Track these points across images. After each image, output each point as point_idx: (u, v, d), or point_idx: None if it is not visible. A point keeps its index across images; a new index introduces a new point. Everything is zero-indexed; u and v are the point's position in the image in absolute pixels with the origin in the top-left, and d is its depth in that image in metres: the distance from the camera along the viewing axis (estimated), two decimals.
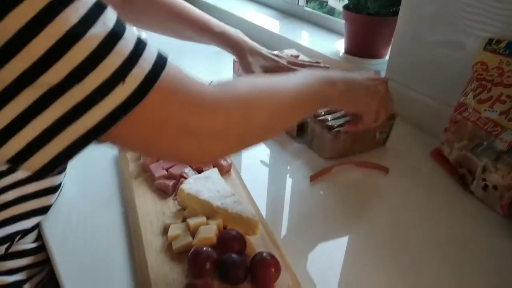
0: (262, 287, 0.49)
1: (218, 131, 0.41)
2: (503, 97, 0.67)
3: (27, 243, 0.59)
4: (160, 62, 0.37)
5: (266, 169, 0.76)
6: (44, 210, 0.58)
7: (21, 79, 0.31)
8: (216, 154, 0.44)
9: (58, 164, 0.35)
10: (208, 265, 0.49)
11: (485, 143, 0.68)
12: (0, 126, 0.32)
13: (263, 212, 0.64)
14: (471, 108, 0.71)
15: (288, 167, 0.77)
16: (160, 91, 0.36)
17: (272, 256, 0.50)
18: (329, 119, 0.76)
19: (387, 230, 0.63)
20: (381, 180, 0.74)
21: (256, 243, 0.56)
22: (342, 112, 0.78)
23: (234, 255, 0.50)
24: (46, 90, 0.31)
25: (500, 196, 0.65)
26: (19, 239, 0.57)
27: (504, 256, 0.59)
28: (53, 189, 0.59)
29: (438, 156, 0.78)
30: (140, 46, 0.35)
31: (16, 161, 0.34)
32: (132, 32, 0.36)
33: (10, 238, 0.55)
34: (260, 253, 0.50)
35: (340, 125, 0.75)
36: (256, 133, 0.47)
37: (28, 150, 0.33)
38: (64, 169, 0.59)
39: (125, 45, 0.34)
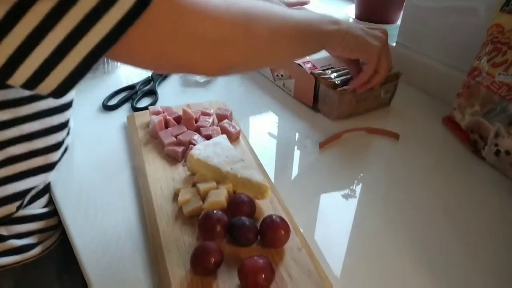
0: (272, 248, 0.50)
1: (225, 37, 0.43)
2: None
3: (38, 207, 0.60)
4: None
5: (275, 137, 0.76)
6: (50, 166, 0.59)
7: None
8: (225, 62, 0.45)
9: (74, 81, 0.36)
10: (218, 228, 0.50)
11: (498, 108, 0.67)
12: (16, 43, 0.32)
13: (272, 178, 0.64)
14: (484, 72, 0.70)
15: (297, 134, 0.77)
16: None
17: (282, 219, 0.50)
18: (333, 77, 0.77)
19: (397, 197, 0.63)
20: (392, 147, 0.73)
21: (266, 207, 0.56)
22: (346, 70, 0.78)
23: (244, 218, 0.50)
24: (57, 1, 0.32)
25: None
26: (29, 203, 0.58)
27: None
28: (58, 146, 0.59)
29: (450, 122, 0.77)
30: None
31: (32, 83, 0.35)
32: None
33: (21, 196, 0.56)
34: (270, 216, 0.50)
35: (345, 83, 0.75)
36: (260, 46, 0.49)
37: (43, 69, 0.34)
38: (66, 125, 0.59)
39: None
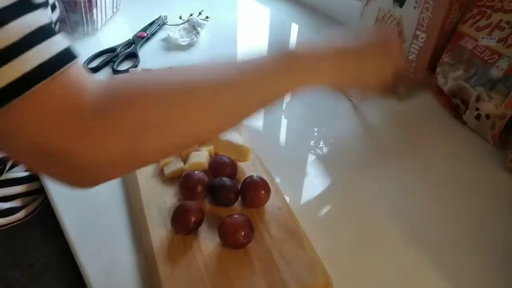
0: (252, 208, 0.50)
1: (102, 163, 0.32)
2: (502, 24, 0.65)
3: (20, 171, 0.59)
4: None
5: None
6: None
7: None
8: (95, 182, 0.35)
9: None
10: (199, 188, 0.50)
11: (480, 72, 0.67)
12: None
13: (255, 141, 0.63)
14: (468, 36, 0.69)
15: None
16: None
17: (262, 179, 0.50)
18: None
19: (378, 158, 0.63)
20: (375, 111, 0.73)
21: (247, 169, 0.56)
22: None
23: (225, 178, 0.50)
24: None
25: (492, 125, 0.65)
26: (12, 166, 0.58)
27: (494, 185, 0.60)
28: None
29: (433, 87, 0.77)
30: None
31: None
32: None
33: (3, 160, 0.55)
34: (251, 176, 0.51)
35: None
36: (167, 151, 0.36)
37: None
38: None
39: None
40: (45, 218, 0.63)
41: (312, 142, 0.66)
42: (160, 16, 0.95)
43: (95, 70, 0.77)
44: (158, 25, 0.93)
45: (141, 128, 0.31)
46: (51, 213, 0.62)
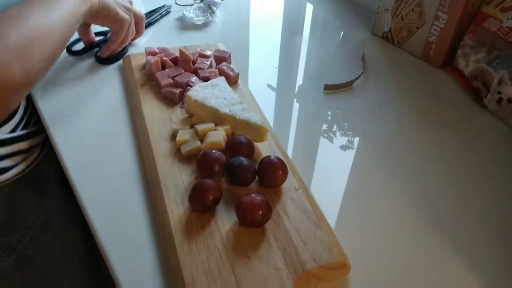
0: (270, 188, 0.50)
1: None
2: None
3: (4, 133, 0.59)
4: None
5: (274, 83, 0.74)
6: None
7: None
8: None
9: None
10: (217, 167, 0.49)
11: (503, 54, 0.65)
12: None
13: (271, 122, 0.63)
14: (492, 17, 0.67)
15: (298, 80, 0.75)
16: None
17: (280, 159, 0.50)
18: None
19: (396, 143, 0.62)
20: (393, 95, 0.72)
21: (264, 149, 0.56)
22: None
23: (242, 158, 0.50)
24: None
25: None
26: None
27: None
28: None
29: (453, 70, 0.76)
30: None
31: None
32: None
33: None
34: (268, 157, 0.50)
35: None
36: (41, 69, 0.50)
37: None
38: None
39: None
40: (36, 179, 0.63)
41: (325, 126, 0.65)
42: (164, 5, 0.93)
43: (76, 53, 0.74)
44: (160, 14, 0.90)
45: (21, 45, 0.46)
46: (42, 174, 0.62)
